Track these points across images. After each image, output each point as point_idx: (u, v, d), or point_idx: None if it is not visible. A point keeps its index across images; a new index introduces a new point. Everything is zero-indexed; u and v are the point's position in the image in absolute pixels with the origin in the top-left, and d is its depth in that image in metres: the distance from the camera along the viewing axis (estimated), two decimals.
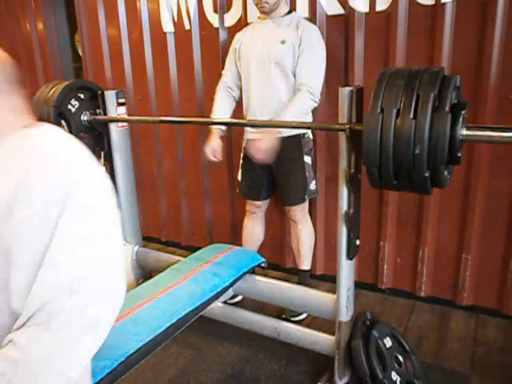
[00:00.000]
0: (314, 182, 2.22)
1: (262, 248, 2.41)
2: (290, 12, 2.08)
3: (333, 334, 1.65)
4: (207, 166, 2.82)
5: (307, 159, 2.14)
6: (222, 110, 2.21)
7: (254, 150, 1.97)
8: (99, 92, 2.02)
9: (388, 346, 1.60)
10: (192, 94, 2.72)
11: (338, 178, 1.44)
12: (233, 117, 2.28)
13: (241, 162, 2.31)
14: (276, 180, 2.22)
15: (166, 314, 1.36)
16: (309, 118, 2.17)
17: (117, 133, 2.05)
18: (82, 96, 2.04)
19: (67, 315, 0.66)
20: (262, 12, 2.06)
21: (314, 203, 2.42)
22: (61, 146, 0.72)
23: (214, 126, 2.19)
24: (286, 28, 2.02)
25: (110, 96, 2.02)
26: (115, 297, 0.74)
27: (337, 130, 1.41)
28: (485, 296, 2.15)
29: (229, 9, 2.48)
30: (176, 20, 2.66)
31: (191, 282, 1.58)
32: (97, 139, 2.11)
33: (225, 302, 2.02)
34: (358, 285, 2.02)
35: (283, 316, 2.15)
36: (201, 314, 1.48)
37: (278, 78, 2.04)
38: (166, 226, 3.12)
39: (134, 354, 1.19)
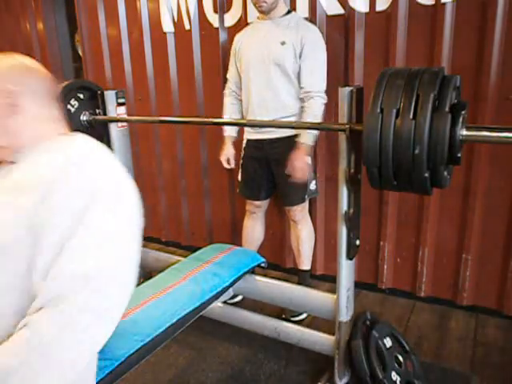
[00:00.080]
0: (313, 182, 2.22)
1: (262, 248, 2.41)
2: (289, 12, 2.08)
3: (333, 334, 1.65)
4: (207, 166, 2.82)
5: (307, 159, 2.14)
6: (231, 114, 2.25)
7: (295, 170, 2.02)
8: (99, 92, 2.02)
9: (388, 346, 1.60)
10: (192, 94, 2.72)
11: (337, 178, 1.44)
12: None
13: (241, 161, 2.31)
14: (276, 180, 2.22)
15: (166, 314, 1.36)
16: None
17: (117, 133, 2.05)
18: (81, 96, 2.04)
19: (81, 302, 0.71)
20: (260, 12, 2.06)
21: (314, 203, 2.42)
22: (88, 155, 0.81)
23: (226, 135, 2.27)
24: (285, 29, 2.02)
25: (110, 96, 2.02)
26: (124, 293, 0.79)
27: (337, 130, 1.41)
28: (485, 296, 2.15)
29: (229, 9, 2.48)
30: (176, 20, 2.66)
31: (191, 282, 1.58)
32: (96, 139, 2.10)
33: (225, 302, 2.02)
34: (358, 285, 2.02)
35: (283, 316, 2.15)
36: (201, 314, 1.48)
37: (277, 79, 2.04)
38: (166, 226, 3.12)
39: (133, 353, 1.19)
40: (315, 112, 2.00)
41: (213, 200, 2.87)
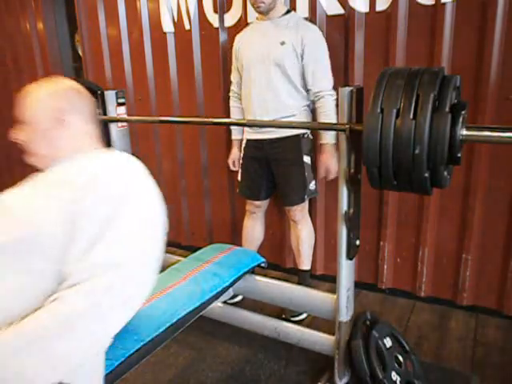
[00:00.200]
0: (313, 182, 2.22)
1: (262, 248, 2.41)
2: (288, 12, 2.08)
3: (333, 334, 1.65)
4: (207, 166, 2.82)
5: (307, 159, 2.14)
6: (236, 117, 2.30)
7: (329, 172, 2.11)
8: (99, 92, 2.02)
9: (388, 346, 1.60)
10: (192, 94, 2.72)
11: (338, 178, 1.44)
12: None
13: (241, 161, 2.31)
14: (276, 180, 2.22)
15: (166, 314, 1.36)
16: (309, 118, 2.17)
17: (117, 133, 2.05)
18: None
19: (109, 285, 0.81)
20: (258, 12, 2.07)
21: (314, 203, 2.42)
22: (118, 166, 0.93)
23: (233, 138, 2.35)
24: (284, 29, 2.02)
25: (110, 96, 2.02)
26: (147, 286, 0.90)
27: (337, 129, 1.41)
28: (485, 296, 2.15)
29: (229, 9, 2.48)
30: (176, 20, 2.66)
31: (191, 282, 1.58)
32: None
33: (225, 302, 2.02)
34: (358, 285, 2.02)
35: (283, 316, 2.15)
36: (201, 314, 1.48)
37: (278, 79, 2.05)
38: (166, 226, 3.12)
39: (133, 353, 1.19)
40: (328, 111, 2.03)
41: (213, 200, 2.87)
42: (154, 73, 2.87)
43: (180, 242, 3.06)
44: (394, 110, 1.08)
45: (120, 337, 1.22)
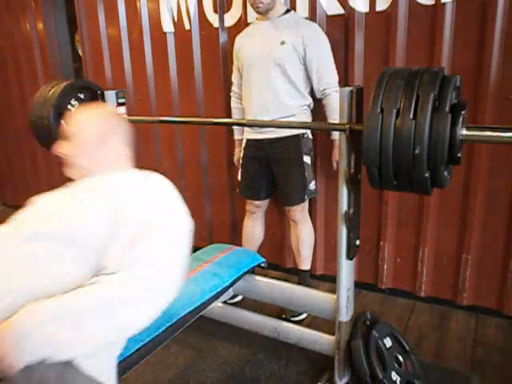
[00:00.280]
0: (313, 182, 2.22)
1: (262, 248, 2.41)
2: (287, 11, 2.08)
3: (333, 334, 1.65)
4: (207, 166, 2.82)
5: (307, 159, 2.14)
6: (237, 117, 2.30)
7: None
8: (99, 92, 2.02)
9: (388, 346, 1.60)
10: (192, 94, 2.72)
11: (338, 178, 1.44)
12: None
13: (241, 161, 2.31)
14: (276, 180, 2.22)
15: (165, 314, 1.35)
16: (309, 118, 2.17)
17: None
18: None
19: (144, 278, 0.93)
20: (257, 12, 2.07)
21: (314, 203, 2.42)
22: (153, 184, 1.07)
23: (235, 138, 2.37)
24: (284, 28, 2.03)
25: (110, 96, 2.02)
26: (172, 291, 1.01)
27: (337, 129, 1.41)
28: (485, 296, 2.15)
29: (229, 9, 2.48)
30: (176, 20, 2.66)
31: (191, 281, 1.58)
32: None
33: (225, 302, 2.02)
34: (358, 285, 2.02)
35: (283, 316, 2.15)
36: (201, 314, 1.48)
37: (278, 79, 2.05)
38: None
39: (133, 353, 1.19)
40: (335, 108, 2.01)
41: (213, 200, 2.87)
42: (154, 73, 2.87)
43: None
44: (394, 110, 1.08)
45: None
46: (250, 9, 2.33)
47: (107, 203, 1.01)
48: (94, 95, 2.05)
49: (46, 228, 1.00)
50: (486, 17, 1.86)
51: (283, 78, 2.04)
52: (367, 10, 2.10)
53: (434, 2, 1.94)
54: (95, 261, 0.96)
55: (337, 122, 1.96)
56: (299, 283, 2.27)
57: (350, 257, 1.52)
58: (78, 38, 3.40)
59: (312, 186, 2.21)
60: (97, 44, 3.06)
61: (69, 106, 1.99)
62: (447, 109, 1.05)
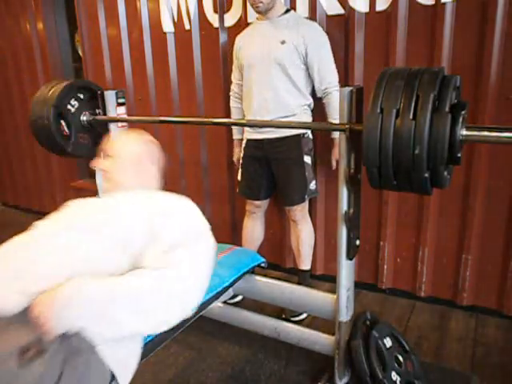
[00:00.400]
0: (313, 181, 2.22)
1: (262, 248, 2.41)
2: (287, 11, 2.08)
3: (333, 334, 1.65)
4: (207, 166, 2.82)
5: (307, 159, 2.14)
6: (236, 117, 2.30)
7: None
8: (99, 92, 2.02)
9: (388, 346, 1.60)
10: (192, 94, 2.72)
11: (338, 178, 1.44)
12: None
13: (241, 161, 2.31)
14: (276, 180, 2.22)
15: None
16: (309, 118, 2.17)
17: (117, 133, 2.05)
18: (81, 96, 2.04)
19: (180, 274, 1.02)
20: (257, 12, 2.07)
21: (314, 203, 2.42)
22: (185, 202, 1.20)
23: (234, 138, 2.36)
24: (284, 28, 2.03)
25: (110, 96, 2.02)
26: (199, 299, 1.10)
27: (337, 130, 1.41)
28: (485, 296, 2.15)
29: (229, 9, 2.48)
30: (176, 20, 2.66)
31: None
32: (96, 139, 2.10)
33: (225, 302, 2.02)
34: (358, 285, 2.02)
35: (283, 316, 2.15)
36: (201, 314, 1.48)
37: (278, 79, 2.05)
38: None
39: None
40: (336, 107, 2.01)
41: (213, 200, 2.87)
42: (154, 73, 2.87)
43: None
44: (394, 110, 1.08)
45: None
46: (250, 9, 2.33)
47: (152, 212, 1.13)
48: (94, 95, 2.05)
49: (94, 223, 1.13)
50: (486, 17, 1.86)
51: (284, 77, 2.04)
52: (367, 10, 2.10)
53: (433, 2, 1.94)
54: (134, 256, 1.06)
55: (337, 121, 2.00)
56: (299, 283, 2.27)
57: (349, 257, 1.52)
58: (77, 37, 3.39)
59: (312, 185, 2.21)
60: (97, 44, 3.06)
61: (69, 106, 1.99)
62: (447, 109, 1.05)
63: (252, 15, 2.31)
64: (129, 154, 1.30)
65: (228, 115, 2.43)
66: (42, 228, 1.13)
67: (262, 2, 1.99)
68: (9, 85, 3.81)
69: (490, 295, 2.13)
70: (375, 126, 1.10)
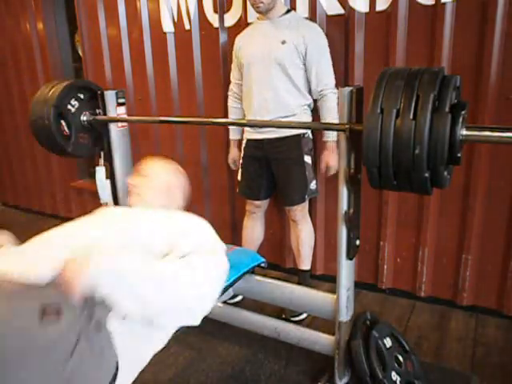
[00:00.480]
0: (314, 181, 2.22)
1: (262, 248, 2.41)
2: (288, 11, 2.08)
3: (333, 334, 1.65)
4: (207, 166, 2.82)
5: (307, 159, 2.14)
6: (234, 117, 2.30)
7: (329, 168, 2.13)
8: (99, 92, 2.02)
9: (388, 346, 1.60)
10: (192, 94, 2.72)
11: (338, 178, 1.44)
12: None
13: (241, 161, 2.31)
14: (276, 180, 2.22)
15: None
16: (309, 118, 2.17)
17: (116, 133, 2.05)
18: (81, 96, 2.03)
19: (203, 270, 1.10)
20: (258, 12, 2.07)
21: (314, 203, 2.42)
22: (195, 222, 1.29)
23: (230, 138, 2.35)
24: (285, 28, 2.03)
25: (110, 96, 2.01)
26: (213, 300, 1.15)
27: (337, 130, 1.41)
28: (485, 296, 2.15)
29: (229, 9, 2.48)
30: (176, 20, 2.66)
31: None
32: (96, 139, 2.10)
33: (225, 302, 2.02)
34: (358, 285, 2.02)
35: (283, 316, 2.15)
36: None
37: (278, 79, 2.05)
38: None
39: None
40: (332, 108, 2.04)
41: (213, 200, 2.87)
42: (154, 73, 2.87)
43: None
44: (394, 110, 1.08)
45: None
46: (250, 9, 2.33)
47: (166, 232, 1.22)
48: (94, 95, 2.05)
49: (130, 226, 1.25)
50: (486, 17, 1.86)
51: (284, 77, 2.04)
52: (367, 9, 2.10)
53: (434, 2, 1.94)
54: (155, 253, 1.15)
55: (331, 122, 1.99)
56: (299, 283, 2.27)
57: (350, 257, 1.52)
58: (77, 37, 3.39)
59: (313, 185, 2.21)
60: (97, 44, 3.06)
61: (69, 106, 1.99)
62: (447, 109, 1.05)
63: (252, 15, 2.31)
64: (161, 180, 1.45)
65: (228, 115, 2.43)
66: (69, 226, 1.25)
67: (262, 3, 1.99)
68: (9, 85, 3.81)
69: (490, 295, 2.13)
70: (375, 126, 1.10)
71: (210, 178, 2.84)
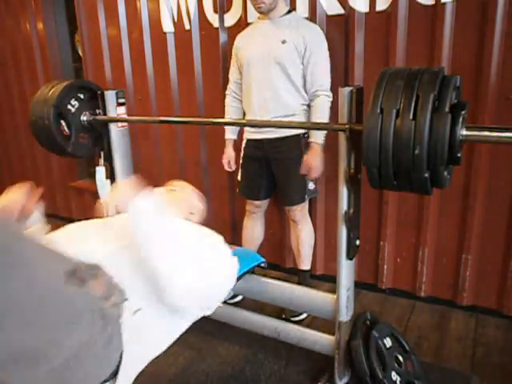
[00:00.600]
0: (311, 182, 2.21)
1: (262, 248, 2.41)
2: (289, 12, 2.08)
3: (333, 334, 1.65)
4: (207, 166, 2.82)
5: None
6: (232, 116, 2.27)
7: (311, 170, 2.06)
8: (99, 92, 2.02)
9: (388, 346, 1.60)
10: (192, 94, 2.72)
11: (338, 178, 1.44)
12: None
13: (240, 161, 2.31)
14: (276, 180, 2.22)
15: None
16: (308, 118, 2.17)
17: (116, 133, 2.05)
18: (81, 96, 2.03)
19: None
20: (259, 12, 2.07)
21: (314, 203, 2.42)
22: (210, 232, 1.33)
23: (226, 138, 2.30)
24: (285, 28, 2.03)
25: (110, 96, 2.01)
26: (224, 294, 1.30)
27: (337, 130, 1.41)
28: (485, 296, 2.15)
29: (229, 9, 2.48)
30: (176, 20, 2.66)
31: None
32: (96, 139, 2.10)
33: (225, 302, 2.02)
34: (358, 285, 2.02)
35: (283, 316, 2.15)
36: None
37: (278, 78, 2.05)
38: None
39: None
40: (321, 110, 2.03)
41: (213, 200, 2.87)
42: (154, 73, 2.87)
43: None
44: (394, 110, 1.08)
45: None
46: (249, 9, 2.33)
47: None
48: (94, 95, 2.05)
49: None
50: (486, 17, 1.86)
51: (283, 76, 2.04)
52: (367, 9, 2.10)
53: (434, 2, 1.94)
54: None
55: (320, 121, 1.98)
56: (299, 283, 2.27)
57: (350, 257, 1.52)
58: (77, 37, 3.39)
59: (311, 185, 2.21)
60: (97, 44, 3.06)
61: (69, 106, 1.99)
62: (447, 109, 1.05)
63: (252, 15, 2.31)
64: (184, 201, 1.51)
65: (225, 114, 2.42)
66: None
67: (264, 3, 1.99)
68: (9, 85, 3.81)
69: (490, 295, 2.13)
70: (375, 126, 1.10)
71: (209, 178, 2.84)
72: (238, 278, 1.69)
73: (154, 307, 1.08)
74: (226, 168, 2.33)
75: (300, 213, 2.23)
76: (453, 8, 1.91)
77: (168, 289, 1.05)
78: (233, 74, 2.25)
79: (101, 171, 2.08)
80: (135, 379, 1.11)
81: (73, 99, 2.01)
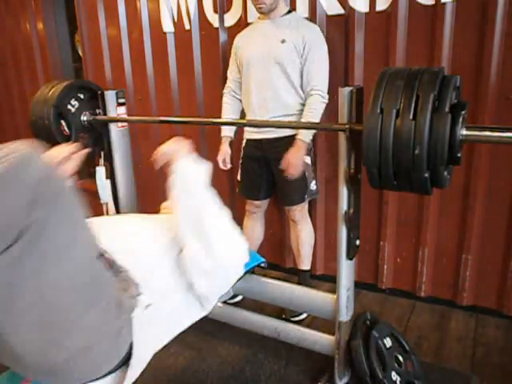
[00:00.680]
0: (314, 182, 2.22)
1: (262, 248, 2.41)
2: (289, 12, 2.08)
3: (333, 334, 1.65)
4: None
5: (307, 159, 2.14)
6: (229, 114, 2.25)
7: (289, 166, 2.02)
8: (99, 92, 2.02)
9: (388, 346, 1.60)
10: (192, 94, 2.72)
11: (338, 178, 1.44)
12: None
13: (240, 161, 2.31)
14: (276, 180, 2.22)
15: None
16: None
17: (116, 133, 2.05)
18: (81, 96, 2.03)
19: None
20: (260, 12, 2.07)
21: (313, 203, 2.42)
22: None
23: (223, 135, 2.27)
24: (285, 28, 2.03)
25: (110, 96, 2.01)
26: (231, 283, 1.42)
27: (337, 130, 1.41)
28: (485, 296, 2.15)
29: (229, 9, 2.48)
30: (176, 20, 2.66)
31: None
32: (97, 139, 2.10)
33: (225, 302, 2.02)
34: (358, 285, 2.02)
35: (283, 316, 2.15)
36: None
37: (277, 78, 2.05)
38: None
39: None
40: (314, 110, 2.00)
41: None
42: (154, 73, 2.87)
43: None
44: (394, 110, 1.08)
45: None
46: (249, 9, 2.34)
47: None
48: (94, 95, 2.05)
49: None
50: (486, 17, 1.86)
51: (283, 76, 2.04)
52: (367, 9, 2.10)
53: (434, 2, 1.94)
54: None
55: (310, 119, 1.97)
56: (299, 283, 2.27)
57: (350, 257, 1.52)
58: (77, 37, 3.40)
59: (313, 186, 2.21)
60: (97, 44, 3.06)
61: (69, 106, 1.99)
62: (447, 109, 1.05)
63: (252, 15, 2.31)
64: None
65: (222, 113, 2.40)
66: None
67: (265, 3, 1.99)
68: (9, 85, 3.81)
69: (490, 295, 2.13)
70: (375, 126, 1.10)
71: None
72: (238, 278, 1.69)
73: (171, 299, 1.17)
74: (221, 166, 2.26)
75: (300, 213, 2.23)
76: (453, 8, 1.91)
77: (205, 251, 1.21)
78: (232, 73, 2.25)
79: (101, 171, 2.08)
80: (136, 380, 1.12)
81: (73, 99, 2.01)
